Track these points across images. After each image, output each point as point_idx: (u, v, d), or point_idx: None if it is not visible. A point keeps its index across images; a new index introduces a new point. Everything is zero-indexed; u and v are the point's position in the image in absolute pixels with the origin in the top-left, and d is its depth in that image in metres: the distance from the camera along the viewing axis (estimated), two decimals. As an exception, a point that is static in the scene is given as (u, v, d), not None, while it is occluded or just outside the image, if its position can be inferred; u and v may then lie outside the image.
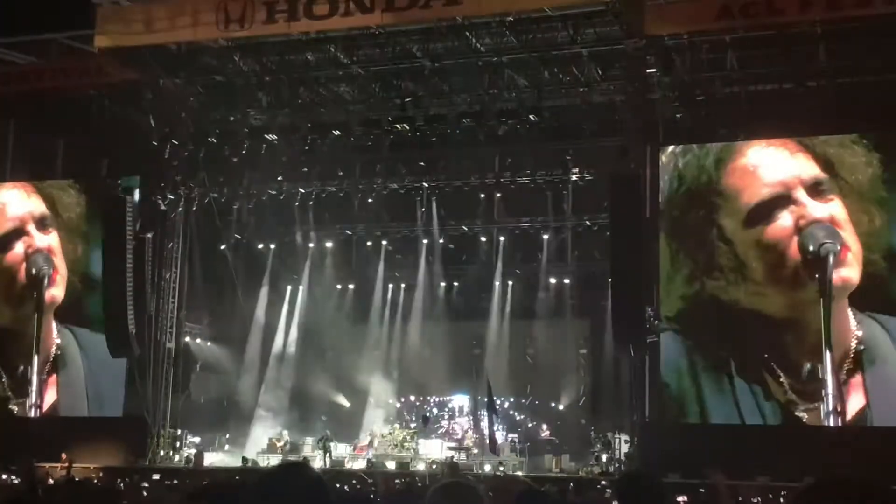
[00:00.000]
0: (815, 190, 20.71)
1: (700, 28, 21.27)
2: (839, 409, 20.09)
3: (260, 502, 3.24)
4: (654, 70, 22.37)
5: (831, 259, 20.19)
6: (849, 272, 20.37)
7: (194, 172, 26.44)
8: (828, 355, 20.05)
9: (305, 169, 26.33)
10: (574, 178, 24.95)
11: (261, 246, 28.08)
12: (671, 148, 22.53)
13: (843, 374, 20.24)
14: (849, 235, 20.46)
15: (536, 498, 4.74)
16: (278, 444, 25.40)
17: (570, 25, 22.00)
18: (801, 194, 20.80)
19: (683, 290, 21.94)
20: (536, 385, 27.22)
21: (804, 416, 20.60)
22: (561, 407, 27.10)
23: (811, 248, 20.41)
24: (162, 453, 24.97)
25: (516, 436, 25.90)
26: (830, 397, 20.04)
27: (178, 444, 25.41)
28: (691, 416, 21.61)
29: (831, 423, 20.23)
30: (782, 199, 20.91)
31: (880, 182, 20.63)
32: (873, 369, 20.19)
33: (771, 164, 21.34)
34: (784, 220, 20.84)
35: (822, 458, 18.98)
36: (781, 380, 20.68)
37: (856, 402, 20.22)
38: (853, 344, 20.36)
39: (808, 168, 20.95)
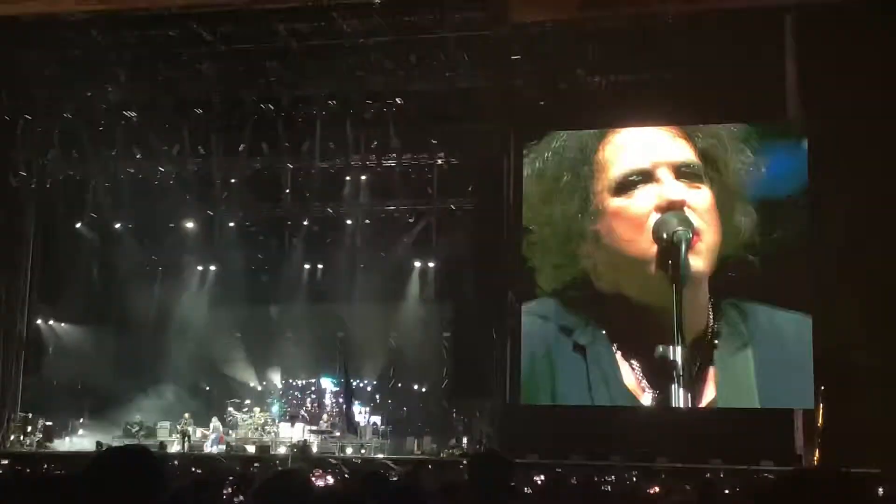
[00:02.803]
0: (682, 173, 21.26)
1: (564, 17, 21.51)
2: (691, 397, 20.71)
3: (90, 486, 3.20)
4: (517, 57, 22.76)
5: (683, 246, 20.65)
6: (700, 260, 20.86)
7: (48, 149, 25.72)
8: (678, 341, 20.51)
9: (165, 147, 25.72)
10: (440, 162, 25.07)
11: (118, 225, 27.25)
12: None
13: (697, 364, 20.77)
14: (708, 225, 21.01)
15: (379, 482, 5.03)
16: (134, 429, 25.20)
17: (437, 10, 22.13)
18: (664, 173, 21.33)
19: (557, 260, 22.23)
20: (400, 368, 27.37)
21: (651, 404, 21.12)
22: (424, 389, 27.45)
23: (664, 235, 20.89)
24: (13, 438, 24.50)
25: (378, 418, 26.09)
26: (681, 386, 20.58)
27: (28, 428, 24.85)
28: (548, 398, 21.94)
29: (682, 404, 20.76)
30: (646, 176, 21.46)
31: (751, 177, 21.20)
32: (724, 360, 20.83)
33: (645, 141, 21.91)
34: (644, 196, 21.38)
35: (675, 440, 20.15)
36: (634, 365, 21.18)
37: (707, 394, 20.89)
38: (708, 334, 20.94)
39: (683, 152, 21.46)
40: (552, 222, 22.25)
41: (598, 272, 21.76)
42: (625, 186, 21.58)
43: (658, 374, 20.88)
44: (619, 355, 21.27)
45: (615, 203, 21.65)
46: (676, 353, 20.56)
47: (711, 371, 20.82)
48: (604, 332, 21.48)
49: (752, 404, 20.79)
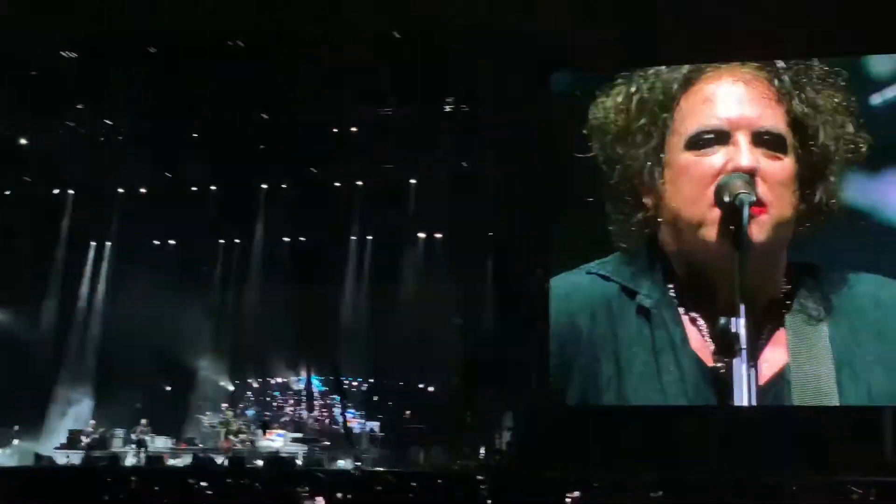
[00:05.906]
0: (762, 141, 19.81)
1: None
2: (753, 365, 19.30)
3: None
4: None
5: (746, 210, 18.85)
6: (767, 233, 19.18)
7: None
8: (742, 310, 19.04)
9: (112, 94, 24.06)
10: (448, 109, 23.85)
11: (57, 191, 26.54)
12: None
13: (766, 329, 19.92)
14: (779, 198, 19.33)
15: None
16: (83, 438, 24.54)
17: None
18: (741, 137, 20.04)
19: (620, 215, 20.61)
20: (401, 363, 26.34)
21: (721, 366, 19.38)
22: (431, 388, 26.65)
23: (726, 198, 19.10)
24: None
25: (377, 424, 25.43)
26: (744, 352, 19.94)
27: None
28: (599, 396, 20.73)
29: (745, 380, 19.82)
30: (723, 136, 20.17)
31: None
32: (798, 323, 20.15)
33: (730, 98, 20.66)
34: (716, 157, 20.13)
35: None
36: (701, 326, 20.25)
37: (776, 358, 20.11)
38: (780, 296, 20.11)
39: (767, 118, 20.14)
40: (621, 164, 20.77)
41: (662, 229, 20.60)
42: (701, 142, 20.42)
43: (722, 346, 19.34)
44: (685, 318, 20.52)
45: (687, 156, 20.61)
46: (739, 326, 20.21)
47: (778, 341, 20.08)
48: (671, 292, 20.58)
49: (830, 401, 20.06)
